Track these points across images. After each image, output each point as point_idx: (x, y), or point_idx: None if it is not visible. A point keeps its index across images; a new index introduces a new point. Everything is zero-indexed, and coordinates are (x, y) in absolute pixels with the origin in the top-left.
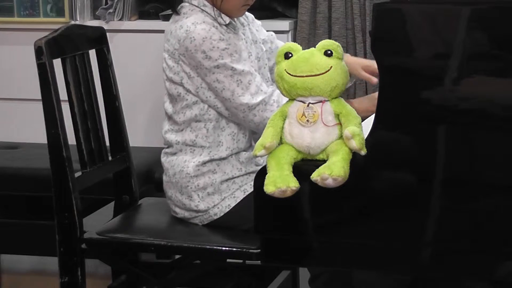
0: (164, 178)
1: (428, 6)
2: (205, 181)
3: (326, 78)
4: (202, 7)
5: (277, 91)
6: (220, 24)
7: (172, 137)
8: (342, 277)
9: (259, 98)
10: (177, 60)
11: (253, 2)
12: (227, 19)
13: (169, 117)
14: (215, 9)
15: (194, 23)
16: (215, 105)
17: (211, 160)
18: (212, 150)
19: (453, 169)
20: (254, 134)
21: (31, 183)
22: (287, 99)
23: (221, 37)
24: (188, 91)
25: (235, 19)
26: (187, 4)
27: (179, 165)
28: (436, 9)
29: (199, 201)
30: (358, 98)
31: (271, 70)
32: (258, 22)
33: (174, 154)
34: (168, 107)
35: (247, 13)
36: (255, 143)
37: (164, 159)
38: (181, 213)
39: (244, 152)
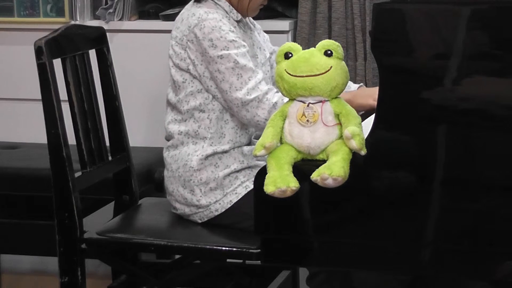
0: (166, 173)
1: (428, 6)
2: (208, 175)
3: (326, 78)
4: (216, 1)
5: (276, 93)
6: (231, 19)
7: (175, 127)
8: (340, 276)
9: (253, 95)
10: (184, 47)
11: (266, 2)
12: (239, 16)
13: (173, 107)
14: (228, 4)
15: (206, 12)
16: (216, 95)
17: (213, 154)
18: (214, 142)
19: (453, 169)
20: (257, 130)
21: (31, 183)
22: (287, 100)
23: (231, 28)
24: (194, 77)
25: (247, 19)
26: None
27: (183, 159)
28: (436, 9)
29: (201, 196)
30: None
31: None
32: (266, 36)
33: (177, 147)
34: (172, 96)
35: (256, 23)
36: (256, 139)
37: (166, 154)
38: (181, 208)
39: (246, 146)
